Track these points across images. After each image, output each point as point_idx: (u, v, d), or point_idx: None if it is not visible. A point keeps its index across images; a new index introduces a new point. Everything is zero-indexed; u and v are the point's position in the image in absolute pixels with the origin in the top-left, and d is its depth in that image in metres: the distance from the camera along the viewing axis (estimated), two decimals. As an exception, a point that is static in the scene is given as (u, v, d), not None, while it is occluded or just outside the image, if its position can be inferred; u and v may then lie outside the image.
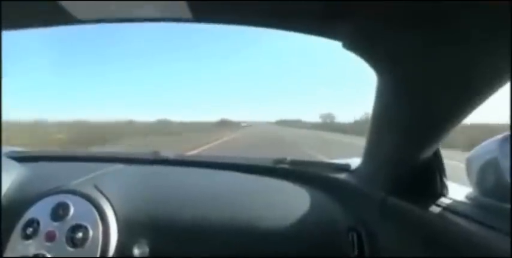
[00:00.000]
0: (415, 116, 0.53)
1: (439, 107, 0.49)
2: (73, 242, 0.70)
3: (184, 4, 0.38)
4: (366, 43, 0.43)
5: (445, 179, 0.64)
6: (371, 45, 0.43)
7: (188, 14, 0.41)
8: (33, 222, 0.73)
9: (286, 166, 1.02)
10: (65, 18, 0.43)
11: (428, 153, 0.60)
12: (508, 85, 0.41)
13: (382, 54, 0.45)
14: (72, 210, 0.74)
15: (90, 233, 0.71)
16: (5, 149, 1.15)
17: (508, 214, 0.47)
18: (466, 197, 0.59)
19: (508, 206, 0.50)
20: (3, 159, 0.95)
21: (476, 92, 0.44)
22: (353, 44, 0.44)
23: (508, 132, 0.52)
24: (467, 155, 0.60)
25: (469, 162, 0.59)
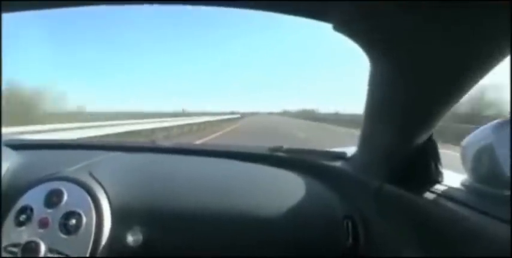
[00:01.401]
0: (409, 101, 0.52)
1: (433, 92, 0.48)
2: (66, 229, 0.70)
3: None
4: (359, 25, 0.41)
5: (440, 166, 0.63)
6: (364, 27, 0.42)
7: None
8: (27, 209, 0.73)
9: (282, 154, 1.02)
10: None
11: (422, 139, 0.60)
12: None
13: (376, 37, 0.43)
14: (65, 197, 0.73)
15: (84, 220, 0.71)
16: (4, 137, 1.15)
17: (504, 200, 0.46)
18: (461, 183, 0.58)
19: (503, 192, 0.49)
20: None
21: (468, 76, 0.44)
22: (345, 26, 0.42)
23: (503, 119, 0.51)
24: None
25: (463, 149, 0.59)
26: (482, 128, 0.55)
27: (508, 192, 0.48)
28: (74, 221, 0.70)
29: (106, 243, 0.70)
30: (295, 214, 0.75)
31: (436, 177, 0.62)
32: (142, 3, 0.43)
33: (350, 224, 0.73)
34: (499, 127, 0.51)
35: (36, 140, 1.31)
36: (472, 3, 0.33)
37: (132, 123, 8.74)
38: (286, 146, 1.05)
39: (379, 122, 0.63)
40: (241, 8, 0.43)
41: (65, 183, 0.77)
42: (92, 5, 0.47)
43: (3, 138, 1.16)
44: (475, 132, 0.57)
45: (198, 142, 6.69)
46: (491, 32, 0.36)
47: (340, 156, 0.92)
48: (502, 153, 0.48)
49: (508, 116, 0.50)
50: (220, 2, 0.43)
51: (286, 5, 0.41)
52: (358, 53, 0.48)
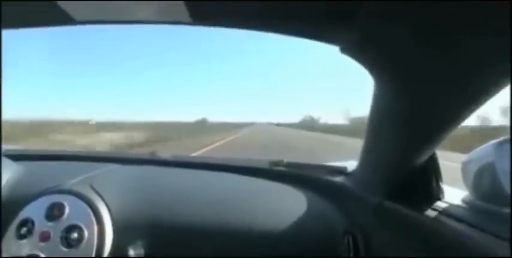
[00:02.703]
0: (412, 119, 0.53)
1: (437, 111, 0.49)
2: (68, 243, 0.69)
3: (183, 7, 0.38)
4: (364, 47, 0.43)
5: (441, 183, 0.64)
6: (369, 49, 0.43)
7: (187, 17, 0.41)
8: (28, 222, 0.72)
9: (282, 168, 1.02)
10: (63, 19, 0.43)
11: (425, 156, 0.60)
12: (507, 89, 0.42)
13: (381, 59, 0.44)
14: (67, 210, 0.73)
15: (85, 233, 0.70)
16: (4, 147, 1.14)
17: (504, 218, 0.47)
18: (462, 201, 0.59)
19: (504, 210, 0.50)
20: None
21: (474, 96, 0.44)
22: (351, 48, 0.44)
23: (505, 137, 0.52)
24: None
25: (464, 166, 0.60)
26: (483, 146, 0.56)
27: (508, 210, 0.49)
28: (75, 235, 0.70)
29: (108, 257, 0.70)
30: (295, 229, 0.75)
31: (437, 194, 0.63)
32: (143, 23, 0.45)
33: (351, 239, 0.73)
34: (500, 145, 0.52)
35: (36, 151, 1.30)
36: (473, 25, 0.34)
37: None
38: (287, 159, 1.05)
39: (381, 138, 0.64)
40: (249, 29, 0.45)
41: (66, 196, 0.76)
42: (96, 24, 0.48)
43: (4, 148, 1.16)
44: (476, 149, 0.58)
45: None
46: (493, 55, 0.37)
47: (341, 171, 0.92)
48: (503, 172, 0.49)
49: (509, 135, 0.51)
50: (227, 24, 0.45)
51: (295, 28, 0.42)
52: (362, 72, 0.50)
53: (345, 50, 0.44)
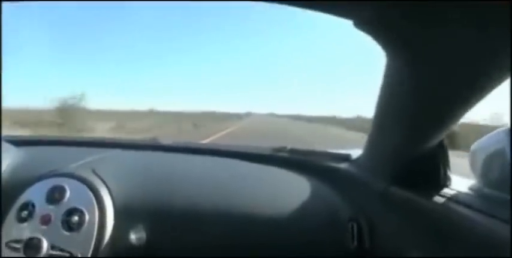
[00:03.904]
0: (422, 104, 0.51)
1: (447, 95, 0.47)
2: (69, 226, 0.69)
3: None
4: (380, 22, 0.41)
5: (448, 170, 0.63)
6: (384, 24, 0.41)
7: None
8: (29, 205, 0.72)
9: (285, 154, 1.01)
10: None
11: (433, 142, 0.59)
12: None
13: (395, 35, 0.43)
14: (68, 194, 0.73)
15: (86, 217, 0.70)
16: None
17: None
18: (470, 188, 0.58)
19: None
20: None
21: (485, 80, 0.43)
22: (365, 23, 0.42)
23: None
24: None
25: (473, 154, 0.58)
26: (491, 133, 0.55)
27: None
28: (76, 218, 0.69)
29: (109, 241, 0.70)
30: (300, 216, 0.75)
31: (444, 181, 0.62)
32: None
33: (355, 226, 0.72)
34: (509, 133, 0.51)
35: (37, 136, 1.29)
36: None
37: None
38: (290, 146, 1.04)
39: (389, 124, 0.62)
40: (263, 1, 0.42)
41: (67, 179, 0.76)
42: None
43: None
44: (483, 137, 0.57)
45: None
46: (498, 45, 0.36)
47: (345, 158, 0.91)
48: None
49: None
50: None
51: (309, 0, 0.40)
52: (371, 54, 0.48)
53: (359, 24, 0.42)
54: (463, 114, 0.50)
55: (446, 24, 0.37)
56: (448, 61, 0.42)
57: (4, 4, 0.51)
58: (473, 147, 0.59)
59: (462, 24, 0.36)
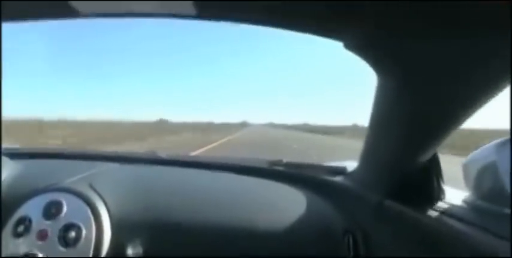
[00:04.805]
0: (415, 118, 0.53)
1: (439, 111, 0.49)
2: (65, 241, 0.68)
3: (188, 1, 0.38)
4: (368, 43, 0.43)
5: (442, 183, 0.64)
6: (373, 45, 0.43)
7: (192, 11, 0.40)
8: (25, 220, 0.71)
9: (281, 168, 1.02)
10: (67, 12, 0.42)
11: (426, 156, 0.60)
12: (507, 90, 0.42)
13: (384, 55, 0.44)
14: (65, 209, 0.72)
15: (83, 232, 0.69)
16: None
17: (506, 218, 0.47)
18: (463, 201, 0.59)
19: (506, 210, 0.50)
20: None
21: (476, 96, 0.44)
22: (355, 44, 0.44)
23: (506, 137, 0.52)
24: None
25: (466, 167, 0.60)
26: (485, 146, 0.56)
27: (509, 210, 0.49)
28: (73, 234, 0.69)
29: (106, 256, 0.69)
30: (295, 229, 0.75)
31: (438, 194, 0.63)
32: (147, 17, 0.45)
33: (351, 239, 0.73)
34: (502, 145, 0.52)
35: (34, 149, 1.29)
36: (474, 23, 0.34)
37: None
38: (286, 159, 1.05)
39: (383, 137, 0.64)
40: (253, 24, 0.44)
41: (64, 194, 0.75)
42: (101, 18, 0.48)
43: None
44: (477, 150, 0.58)
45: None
46: (492, 55, 0.37)
47: (341, 171, 0.92)
48: (505, 171, 0.49)
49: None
50: (231, 19, 0.45)
51: (299, 24, 0.42)
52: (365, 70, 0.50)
53: (349, 46, 0.44)
54: (456, 128, 0.52)
55: (436, 41, 0.38)
56: (439, 77, 0.44)
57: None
58: (466, 160, 0.60)
59: (450, 42, 0.38)
